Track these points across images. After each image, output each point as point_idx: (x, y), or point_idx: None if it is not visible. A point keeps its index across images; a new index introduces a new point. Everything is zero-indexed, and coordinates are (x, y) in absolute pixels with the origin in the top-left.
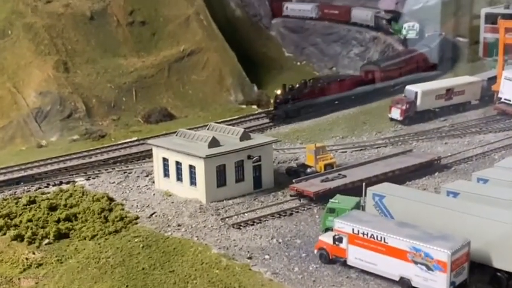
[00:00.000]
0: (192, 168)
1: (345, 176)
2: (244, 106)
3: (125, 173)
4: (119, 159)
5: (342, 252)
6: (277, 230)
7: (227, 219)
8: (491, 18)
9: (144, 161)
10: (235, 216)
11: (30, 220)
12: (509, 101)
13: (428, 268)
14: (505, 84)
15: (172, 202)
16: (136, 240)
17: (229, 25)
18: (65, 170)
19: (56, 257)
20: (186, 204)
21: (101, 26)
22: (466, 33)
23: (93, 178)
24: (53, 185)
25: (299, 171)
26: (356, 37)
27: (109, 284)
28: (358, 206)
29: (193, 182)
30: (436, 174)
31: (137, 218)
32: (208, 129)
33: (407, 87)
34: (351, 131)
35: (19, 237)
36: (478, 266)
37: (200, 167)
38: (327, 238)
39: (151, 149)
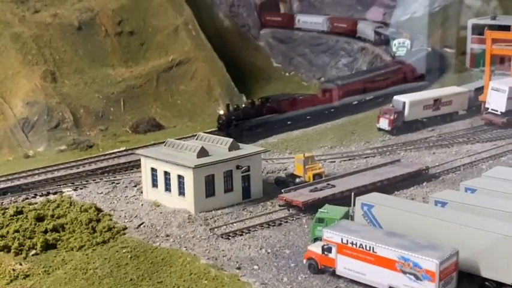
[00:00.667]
0: (180, 178)
1: (333, 186)
2: None
3: (112, 183)
4: (107, 169)
5: (331, 262)
6: (266, 240)
7: (216, 229)
8: (478, 29)
9: (132, 171)
10: (224, 227)
11: (17, 231)
12: (496, 111)
13: (417, 278)
14: (491, 95)
15: (161, 212)
16: (124, 250)
17: (218, 35)
18: (52, 180)
19: (43, 268)
20: (175, 215)
21: (89, 36)
22: (453, 44)
23: (81, 188)
24: (40, 196)
25: (288, 181)
26: (344, 47)
27: None
28: (347, 216)
29: (181, 192)
30: (424, 184)
31: (125, 228)
32: (196, 139)
33: (395, 97)
34: (339, 141)
35: (6, 248)
36: (467, 275)
37: (189, 177)
38: (315, 248)
39: (139, 159)
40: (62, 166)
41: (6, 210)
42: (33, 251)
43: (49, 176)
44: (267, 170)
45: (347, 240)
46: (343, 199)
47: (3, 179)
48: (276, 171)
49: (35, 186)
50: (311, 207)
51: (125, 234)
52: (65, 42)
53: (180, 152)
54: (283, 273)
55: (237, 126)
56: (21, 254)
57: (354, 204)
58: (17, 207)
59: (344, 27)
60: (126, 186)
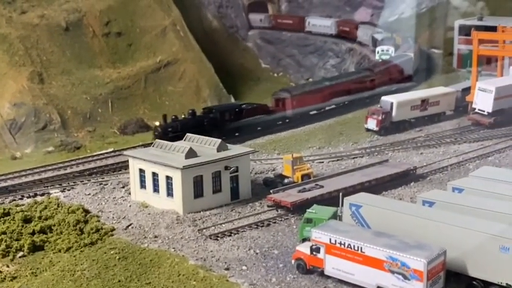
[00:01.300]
0: (169, 179)
1: (322, 186)
2: None
3: (100, 184)
4: (95, 170)
5: (319, 262)
6: (255, 241)
7: (204, 230)
8: (465, 30)
9: (120, 172)
10: (213, 227)
11: (4, 232)
12: (483, 111)
13: (405, 277)
14: (478, 95)
15: (149, 213)
16: (112, 252)
17: (206, 36)
18: (39, 181)
19: (31, 269)
20: (163, 216)
21: (76, 36)
22: (441, 45)
23: (68, 190)
24: (28, 197)
25: (276, 182)
26: (332, 48)
27: None
28: (335, 216)
29: (170, 193)
30: (411, 184)
31: (113, 229)
32: (185, 140)
33: (383, 97)
34: (327, 141)
35: None
36: (454, 274)
37: (177, 177)
38: (304, 248)
39: (127, 160)
40: (50, 167)
41: None
42: (21, 253)
43: (36, 177)
44: (255, 170)
45: (335, 241)
46: (332, 199)
47: None
48: (264, 171)
49: (22, 187)
50: (299, 208)
51: (113, 235)
52: (52, 43)
53: (168, 153)
54: (272, 273)
55: (173, 139)
56: (8, 255)
57: (342, 205)
58: (4, 209)
59: (347, 31)
60: (114, 188)
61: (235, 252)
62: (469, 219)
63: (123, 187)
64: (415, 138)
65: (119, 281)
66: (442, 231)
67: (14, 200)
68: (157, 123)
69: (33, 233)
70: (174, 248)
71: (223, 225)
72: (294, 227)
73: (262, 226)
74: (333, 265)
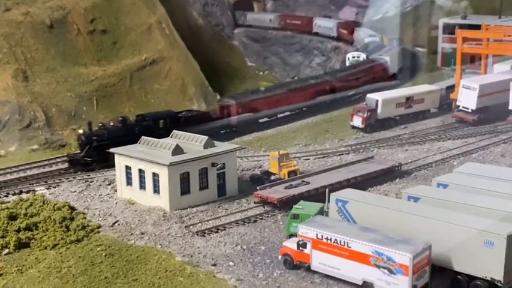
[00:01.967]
0: (155, 176)
1: (308, 183)
2: None
3: (86, 181)
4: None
5: (306, 257)
6: (242, 237)
7: (191, 226)
8: (449, 29)
9: (106, 169)
10: (200, 224)
11: None
12: (467, 108)
13: (391, 272)
14: (462, 93)
15: (135, 210)
16: (98, 249)
17: (192, 34)
18: (24, 179)
19: (16, 267)
20: (150, 213)
21: (61, 34)
22: (425, 44)
23: (54, 187)
24: (13, 194)
25: (263, 179)
26: (318, 47)
27: None
28: (322, 212)
29: (156, 190)
30: (397, 180)
31: (99, 226)
32: (171, 136)
33: (369, 95)
34: (313, 138)
35: None
36: (439, 269)
37: (164, 174)
38: (291, 244)
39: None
40: (35, 165)
41: None
42: (6, 250)
43: (21, 174)
44: (242, 167)
45: (322, 236)
46: (318, 195)
47: None
48: (251, 168)
49: (7, 185)
50: (286, 204)
51: (99, 232)
52: (37, 40)
53: (155, 150)
54: (259, 269)
55: (98, 148)
56: None
57: (329, 200)
58: None
59: (345, 34)
60: (100, 185)
61: (222, 249)
62: (454, 214)
63: (109, 184)
64: (400, 135)
65: (106, 277)
66: (427, 226)
67: None
68: (81, 131)
69: (18, 230)
70: (161, 244)
71: (210, 221)
72: (281, 223)
73: (249, 222)
74: (320, 260)
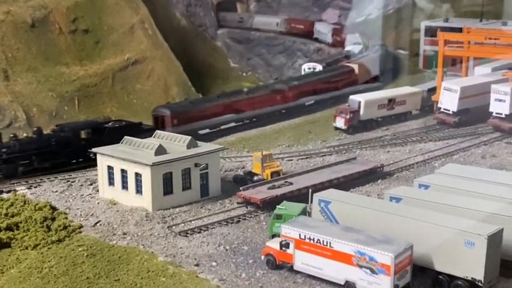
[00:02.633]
0: (138, 176)
1: (291, 183)
2: None
3: (68, 181)
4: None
5: (289, 257)
6: (225, 237)
7: (174, 227)
8: (431, 32)
9: (87, 169)
10: (182, 224)
11: None
12: (448, 110)
13: (373, 271)
14: (444, 95)
15: (118, 211)
16: (80, 249)
17: (175, 34)
18: (5, 178)
19: None
20: (132, 213)
21: (42, 33)
22: (407, 46)
23: (35, 187)
24: None
25: (246, 179)
26: (301, 48)
27: None
28: (305, 212)
29: (139, 190)
30: (379, 181)
31: (81, 226)
32: (154, 137)
33: (351, 97)
34: (296, 139)
35: None
36: (421, 269)
37: (146, 174)
38: (273, 244)
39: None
40: None
41: None
42: None
43: None
44: (225, 168)
45: (305, 236)
46: (301, 196)
47: None
48: (234, 169)
49: None
50: (269, 204)
51: (81, 232)
52: (18, 39)
53: (138, 150)
54: (242, 269)
55: (7, 161)
56: None
57: (311, 201)
58: None
59: (338, 41)
60: (81, 185)
61: (205, 249)
62: (435, 214)
63: (91, 184)
64: (382, 136)
65: (87, 278)
66: (408, 226)
67: None
68: None
69: None
70: (143, 244)
71: (193, 222)
72: (264, 223)
73: (232, 223)
74: (302, 260)
